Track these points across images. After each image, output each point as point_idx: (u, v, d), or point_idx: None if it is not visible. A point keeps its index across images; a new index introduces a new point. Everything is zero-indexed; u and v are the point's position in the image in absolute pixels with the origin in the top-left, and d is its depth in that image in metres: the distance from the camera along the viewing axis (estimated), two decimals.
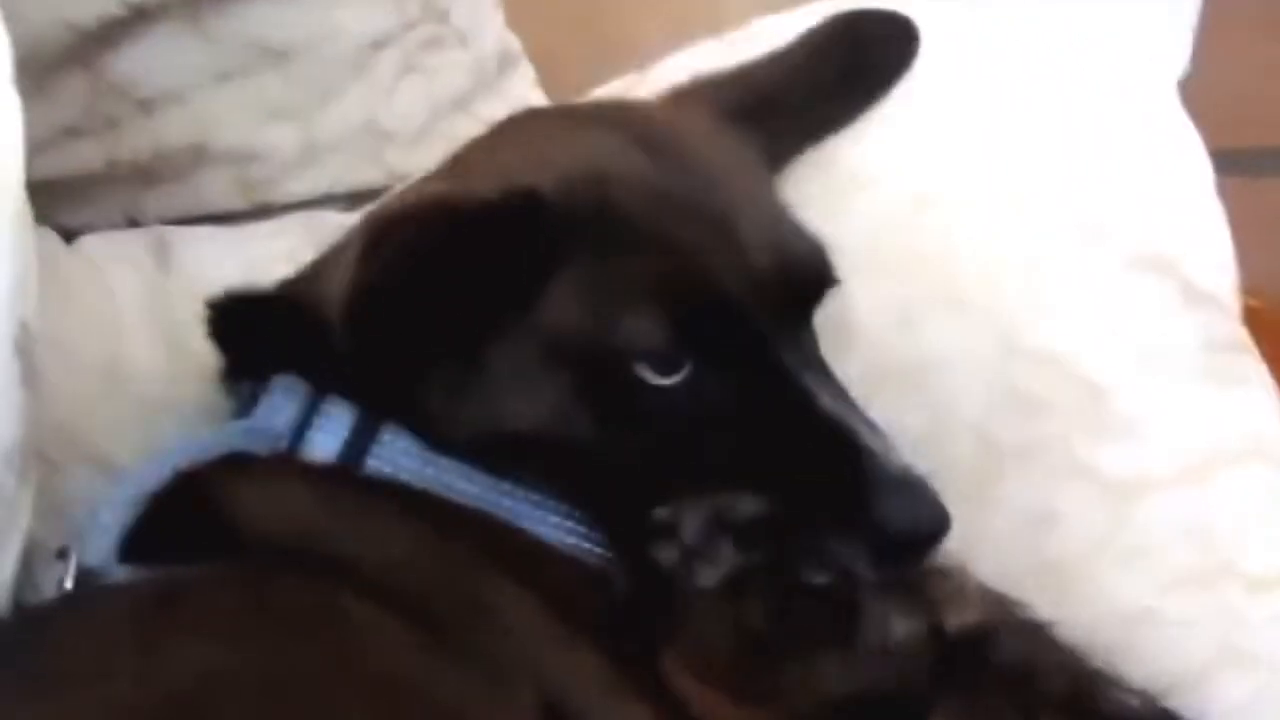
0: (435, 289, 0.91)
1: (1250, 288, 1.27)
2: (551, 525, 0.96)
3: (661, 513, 0.92)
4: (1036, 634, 0.93)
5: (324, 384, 0.97)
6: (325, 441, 0.96)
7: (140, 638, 0.82)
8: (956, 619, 0.90)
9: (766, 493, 0.93)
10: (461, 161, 1.05)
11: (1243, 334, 1.20)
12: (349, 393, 0.97)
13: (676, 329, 0.94)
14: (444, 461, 0.95)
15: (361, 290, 0.91)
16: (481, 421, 0.95)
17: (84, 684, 0.80)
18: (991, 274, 1.16)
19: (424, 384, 0.95)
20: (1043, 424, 1.12)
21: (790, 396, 0.95)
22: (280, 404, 0.98)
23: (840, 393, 0.98)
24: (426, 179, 1.06)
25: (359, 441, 0.96)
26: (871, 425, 0.97)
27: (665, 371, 0.94)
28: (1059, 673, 0.89)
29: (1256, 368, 1.19)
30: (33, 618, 0.93)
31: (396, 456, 0.95)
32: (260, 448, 0.96)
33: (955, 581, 0.93)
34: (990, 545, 1.08)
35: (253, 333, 1.03)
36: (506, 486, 0.95)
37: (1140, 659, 1.07)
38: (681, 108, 1.08)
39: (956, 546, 1.04)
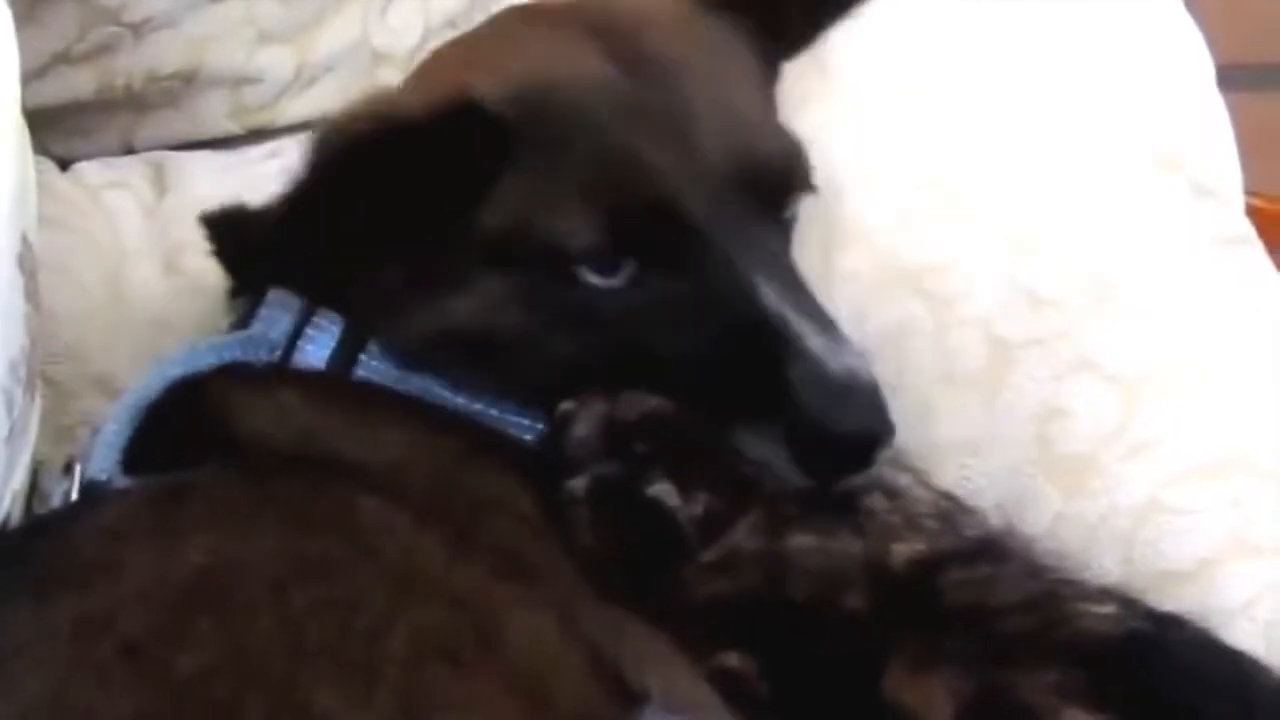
0: (367, 199, 0.93)
1: (1254, 192, 1.29)
2: (523, 430, 0.97)
3: (565, 406, 0.94)
4: (988, 559, 0.91)
5: (316, 296, 0.99)
6: (315, 352, 0.98)
7: (152, 532, 0.83)
8: (906, 548, 0.89)
9: (701, 391, 0.94)
10: (423, 70, 1.07)
11: (1248, 228, 1.21)
12: (335, 303, 0.99)
13: (612, 229, 0.94)
14: (425, 371, 0.97)
15: (289, 199, 0.93)
16: (428, 324, 0.97)
17: (99, 579, 0.81)
18: (995, 173, 1.16)
19: (373, 289, 0.97)
20: (1050, 319, 1.12)
21: (733, 297, 0.95)
22: (276, 316, 0.99)
23: (796, 295, 0.97)
24: (391, 90, 1.06)
25: (346, 352, 0.97)
26: (824, 327, 0.95)
27: (605, 272, 0.95)
28: (1022, 609, 0.87)
29: (1262, 262, 1.20)
30: (45, 523, 0.94)
31: (382, 366, 0.97)
32: (255, 358, 0.98)
33: (905, 504, 0.92)
34: (1000, 439, 1.09)
35: (249, 248, 1.03)
36: (478, 394, 0.97)
37: (1147, 550, 1.08)
38: None
39: (965, 441, 1.06)
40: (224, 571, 0.81)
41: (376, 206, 0.94)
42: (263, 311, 1.00)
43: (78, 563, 0.82)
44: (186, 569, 0.80)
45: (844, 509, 0.92)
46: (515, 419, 0.97)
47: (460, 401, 0.97)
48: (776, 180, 1.01)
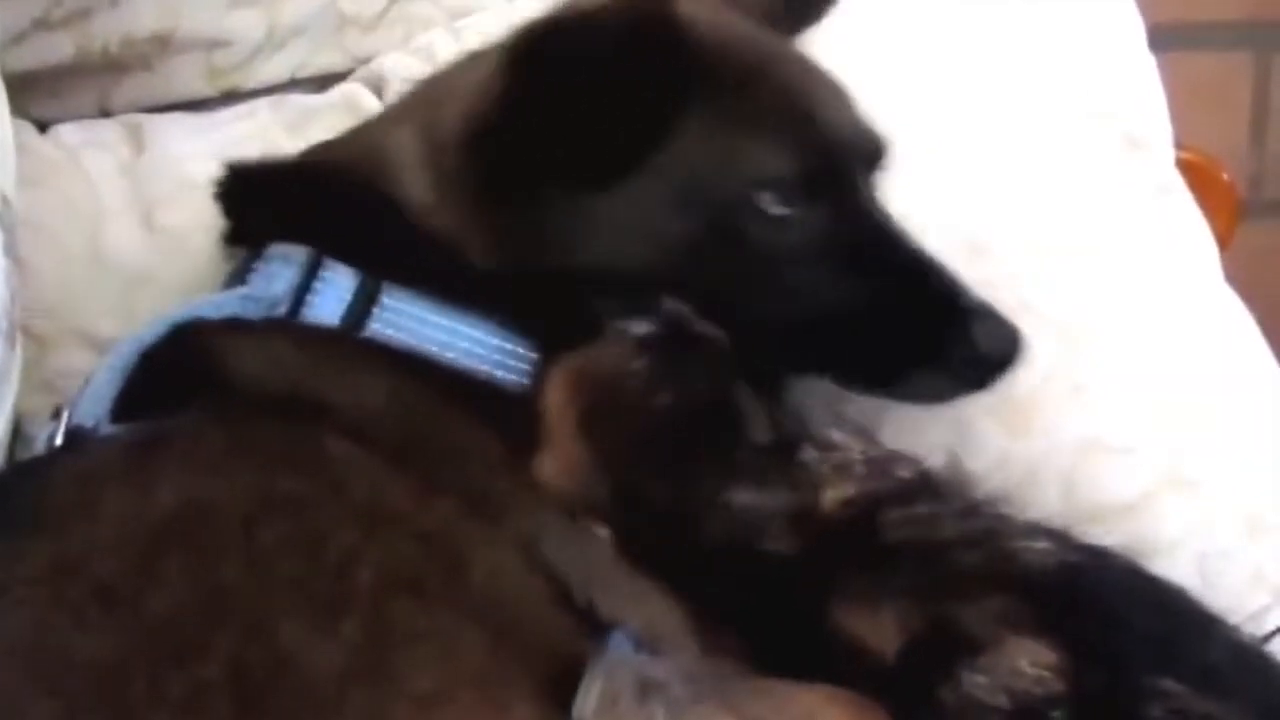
0: (588, 103, 0.90)
1: (1183, 145, 1.29)
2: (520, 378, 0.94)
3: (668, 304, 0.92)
4: (924, 498, 0.90)
5: (335, 249, 0.95)
6: (325, 305, 0.93)
7: (127, 476, 0.81)
8: (836, 493, 0.88)
9: (867, 323, 0.95)
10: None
11: (1178, 179, 1.22)
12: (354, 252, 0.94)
13: (802, 164, 0.95)
14: (443, 321, 0.93)
15: (514, 96, 0.92)
16: (590, 257, 0.93)
17: (74, 522, 0.79)
18: (936, 127, 1.15)
19: (523, 217, 0.94)
20: (992, 266, 1.11)
21: (880, 239, 0.97)
22: (277, 271, 0.95)
23: (911, 237, 0.99)
24: None
25: (361, 304, 0.93)
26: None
27: (784, 202, 0.94)
28: (963, 545, 0.86)
29: (1191, 210, 1.21)
30: (26, 467, 0.92)
31: (397, 318, 0.93)
32: (257, 314, 0.94)
33: (835, 455, 0.91)
34: None
35: (263, 198, 1.00)
36: (501, 343, 0.94)
37: (1088, 485, 1.09)
38: None
39: None
40: (194, 512, 0.79)
41: (590, 117, 0.91)
42: (260, 265, 0.96)
43: (54, 506, 0.80)
44: (158, 511, 0.79)
45: (783, 462, 0.90)
46: (515, 373, 0.94)
47: (473, 352, 0.94)
48: (881, 143, 1.02)
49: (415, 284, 0.94)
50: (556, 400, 0.90)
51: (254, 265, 0.96)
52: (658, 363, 0.89)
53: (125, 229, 1.14)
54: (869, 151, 1.00)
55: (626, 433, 0.89)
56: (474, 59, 1.03)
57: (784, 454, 0.90)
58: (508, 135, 0.93)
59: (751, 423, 0.89)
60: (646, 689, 0.78)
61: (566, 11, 0.96)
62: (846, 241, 0.96)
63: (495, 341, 0.94)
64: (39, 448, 0.92)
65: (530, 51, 0.93)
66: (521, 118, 0.92)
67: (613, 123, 0.92)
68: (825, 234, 0.95)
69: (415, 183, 0.96)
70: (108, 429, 0.90)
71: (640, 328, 0.90)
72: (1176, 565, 1.04)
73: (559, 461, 0.89)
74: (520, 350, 0.94)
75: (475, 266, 0.94)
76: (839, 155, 0.97)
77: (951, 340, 0.95)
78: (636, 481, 0.88)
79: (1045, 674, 0.80)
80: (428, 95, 1.03)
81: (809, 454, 0.90)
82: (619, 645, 0.83)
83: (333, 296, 0.94)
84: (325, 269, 0.94)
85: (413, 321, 0.93)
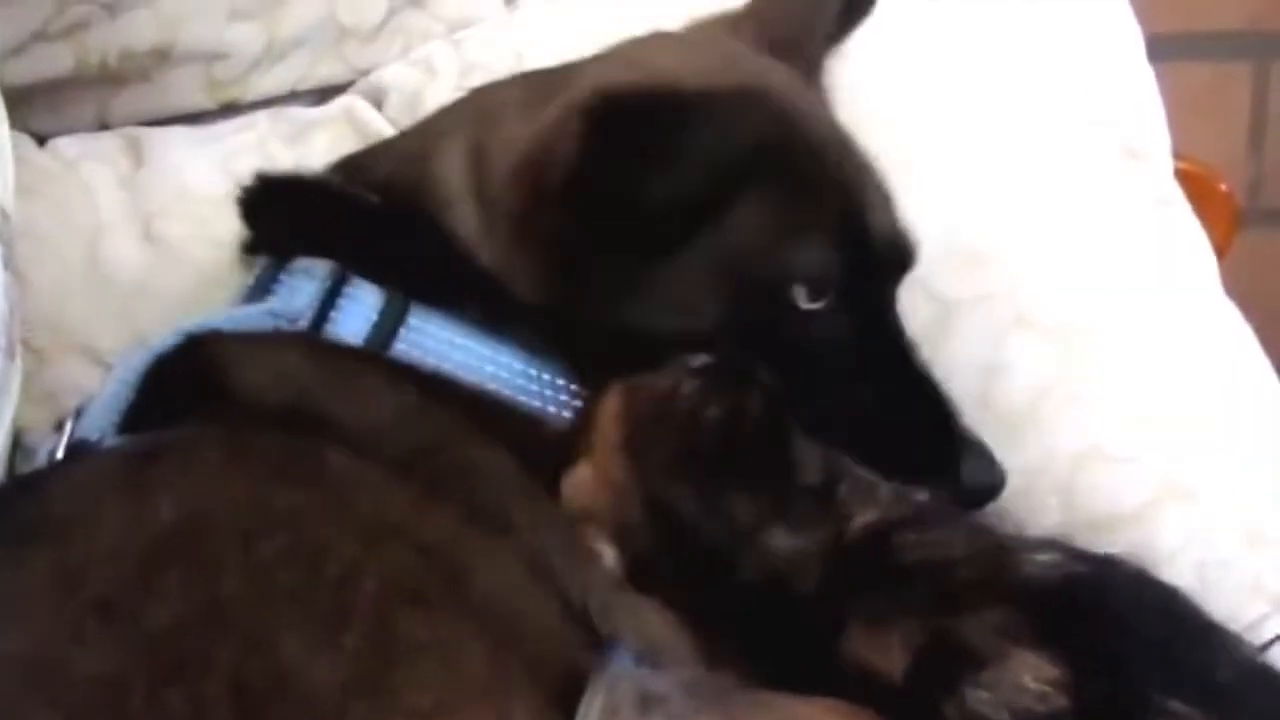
0: (669, 180, 0.89)
1: (1181, 156, 1.28)
2: (567, 409, 0.93)
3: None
4: (938, 522, 0.89)
5: (365, 266, 0.93)
6: (349, 322, 0.92)
7: (126, 488, 0.81)
8: (859, 520, 0.87)
9: (864, 431, 0.93)
10: (631, 59, 1.01)
11: (1177, 190, 1.21)
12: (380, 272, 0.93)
13: (839, 263, 0.94)
14: (471, 344, 0.92)
15: (591, 163, 0.89)
16: (631, 317, 0.92)
17: (73, 534, 0.78)
18: (938, 138, 1.15)
19: (570, 268, 0.92)
20: (991, 276, 1.12)
21: (896, 347, 0.97)
22: (300, 285, 0.93)
23: (920, 355, 0.99)
24: (598, 65, 1.00)
25: (389, 324, 0.92)
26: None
27: (814, 298, 0.93)
28: (968, 561, 0.85)
29: (1190, 221, 1.20)
30: (25, 481, 0.91)
31: (424, 339, 0.92)
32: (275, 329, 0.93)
33: (864, 486, 0.90)
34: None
35: (291, 209, 0.99)
36: (527, 368, 0.92)
37: (1087, 496, 1.09)
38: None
39: None
40: (193, 524, 0.78)
41: (657, 187, 0.90)
42: (285, 278, 0.94)
43: (53, 518, 0.80)
44: (157, 523, 0.78)
45: (825, 501, 0.90)
46: (541, 399, 0.93)
47: (501, 378, 0.92)
48: (911, 251, 1.01)
49: (448, 307, 0.92)
50: (607, 414, 0.89)
51: (278, 278, 0.95)
52: (710, 383, 0.89)
53: (124, 241, 1.14)
54: (902, 259, 1.00)
55: (672, 448, 0.88)
56: (527, 79, 1.02)
57: (827, 494, 0.89)
58: (576, 199, 0.91)
59: (803, 465, 0.89)
60: (647, 702, 0.77)
61: (659, 81, 0.95)
62: (864, 346, 0.95)
63: (522, 367, 0.92)
64: (40, 461, 0.91)
65: (618, 121, 0.90)
66: (595, 185, 0.90)
67: (683, 201, 0.91)
68: (846, 335, 0.95)
69: (459, 208, 0.95)
70: (111, 441, 0.89)
71: (696, 360, 0.90)
72: (1176, 574, 1.03)
73: (596, 474, 0.88)
74: (547, 377, 0.93)
75: (515, 298, 0.93)
76: (876, 262, 0.97)
77: (939, 465, 0.94)
78: (674, 501, 0.87)
79: (1048, 689, 0.79)
80: (477, 112, 1.00)
81: (843, 489, 0.90)
82: (620, 659, 0.82)
83: (357, 314, 0.92)
84: (349, 285, 0.93)
85: (440, 344, 0.92)
